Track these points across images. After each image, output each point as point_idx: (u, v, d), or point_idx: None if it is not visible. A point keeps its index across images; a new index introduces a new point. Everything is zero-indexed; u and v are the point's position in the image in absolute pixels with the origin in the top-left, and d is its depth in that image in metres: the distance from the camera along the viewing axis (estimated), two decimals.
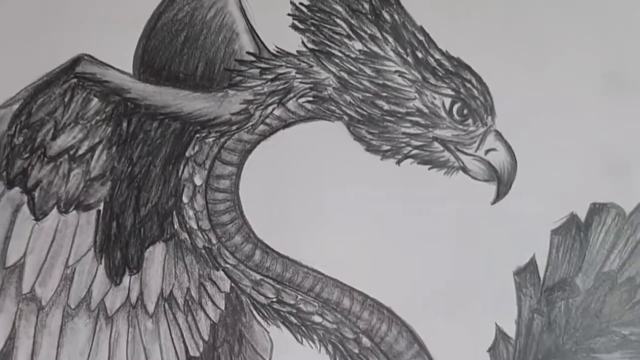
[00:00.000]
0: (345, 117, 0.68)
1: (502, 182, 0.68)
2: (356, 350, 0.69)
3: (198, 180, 0.69)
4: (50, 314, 0.69)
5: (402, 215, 0.69)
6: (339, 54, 0.67)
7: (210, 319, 0.69)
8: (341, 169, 0.69)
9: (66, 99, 0.68)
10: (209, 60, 0.69)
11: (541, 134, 0.69)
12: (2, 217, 0.69)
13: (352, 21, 0.68)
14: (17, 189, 0.68)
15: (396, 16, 0.69)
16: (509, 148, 0.68)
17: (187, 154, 0.68)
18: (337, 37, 0.68)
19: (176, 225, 0.69)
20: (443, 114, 0.67)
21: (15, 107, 0.69)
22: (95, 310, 0.69)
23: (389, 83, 0.67)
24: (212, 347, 0.69)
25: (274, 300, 0.69)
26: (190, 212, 0.69)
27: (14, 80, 0.68)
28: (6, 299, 0.69)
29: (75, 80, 0.68)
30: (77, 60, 0.68)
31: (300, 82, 0.68)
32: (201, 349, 0.69)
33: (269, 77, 0.67)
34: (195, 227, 0.69)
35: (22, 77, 0.69)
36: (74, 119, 0.68)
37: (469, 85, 0.67)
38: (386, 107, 0.67)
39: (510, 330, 0.69)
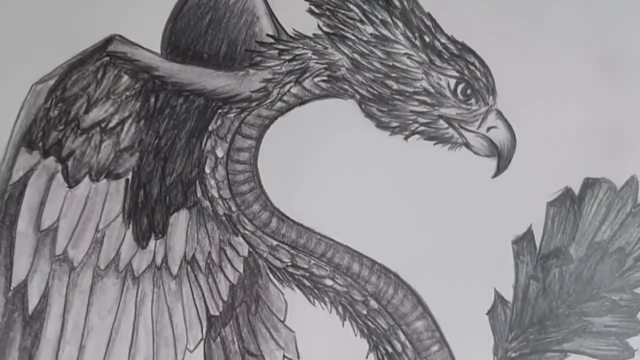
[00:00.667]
0: (357, 96, 0.72)
1: (502, 157, 0.72)
2: (364, 312, 0.73)
3: (220, 153, 0.73)
4: (81, 274, 0.73)
5: (408, 187, 0.73)
6: (352, 37, 0.72)
7: (229, 280, 0.74)
8: (352, 144, 0.73)
9: (99, 76, 0.73)
10: (231, 41, 0.73)
11: (539, 114, 0.73)
12: (38, 184, 0.73)
13: (365, 7, 0.73)
14: (52, 159, 0.73)
15: (405, 3, 0.73)
16: (508, 126, 0.72)
17: (210, 128, 0.73)
18: (350, 21, 0.72)
19: (199, 194, 0.73)
20: (448, 93, 0.72)
21: (52, 82, 0.73)
22: (123, 271, 0.73)
23: (398, 64, 0.72)
24: (231, 307, 0.74)
25: (289, 264, 0.74)
26: (212, 182, 0.73)
27: (51, 58, 0.73)
28: (40, 260, 0.73)
29: (107, 58, 0.72)
30: (109, 40, 0.73)
31: (316, 63, 0.72)
32: (221, 309, 0.74)
33: (287, 57, 0.72)
34: (216, 195, 0.73)
35: (58, 55, 0.73)
36: (106, 94, 0.73)
37: (472, 67, 0.72)
38: (395, 86, 0.72)
39: (508, 295, 0.73)
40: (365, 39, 0.72)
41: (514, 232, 0.73)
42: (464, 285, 0.73)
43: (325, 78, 0.72)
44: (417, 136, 0.72)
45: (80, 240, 0.73)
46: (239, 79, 0.72)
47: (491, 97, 0.72)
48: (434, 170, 0.73)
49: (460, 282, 0.73)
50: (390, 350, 0.73)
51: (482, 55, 0.72)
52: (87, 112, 0.72)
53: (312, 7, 0.72)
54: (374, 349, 0.73)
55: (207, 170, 0.73)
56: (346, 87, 0.72)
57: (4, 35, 0.73)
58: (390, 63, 0.71)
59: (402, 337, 0.73)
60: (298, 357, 0.73)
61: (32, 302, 0.73)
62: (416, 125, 0.72)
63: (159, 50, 0.73)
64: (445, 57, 0.71)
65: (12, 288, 0.73)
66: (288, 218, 0.73)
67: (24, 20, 0.74)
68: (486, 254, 0.73)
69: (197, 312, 0.73)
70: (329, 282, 0.73)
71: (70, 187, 0.73)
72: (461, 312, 0.72)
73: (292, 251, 0.73)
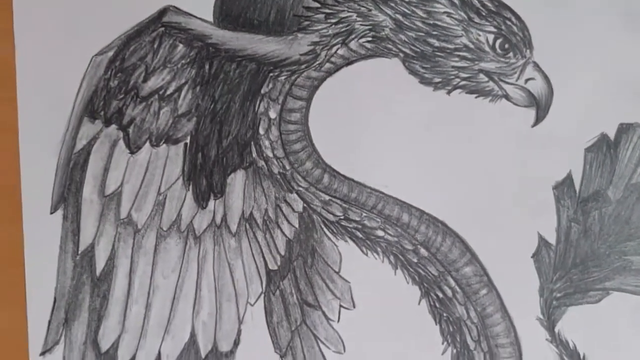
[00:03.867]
0: (401, 54, 0.76)
1: (541, 107, 0.75)
2: (415, 260, 0.76)
3: (272, 114, 0.76)
4: (145, 236, 0.76)
5: (452, 139, 0.76)
6: None
7: (286, 236, 0.77)
8: (398, 100, 0.76)
9: (155, 46, 0.76)
10: (279, 7, 0.76)
11: (574, 64, 0.76)
12: (101, 152, 0.76)
13: None
14: (113, 127, 0.76)
15: None
16: (546, 77, 0.75)
17: (262, 91, 0.76)
18: None
19: (254, 154, 0.76)
20: (487, 48, 0.75)
21: (110, 53, 0.76)
22: (185, 231, 0.76)
23: (439, 23, 0.75)
24: (288, 261, 0.77)
25: (342, 217, 0.77)
26: (266, 142, 0.76)
27: (108, 30, 0.76)
28: (106, 224, 0.76)
29: (162, 29, 0.75)
30: (164, 11, 0.76)
31: (361, 25, 0.75)
32: (279, 263, 0.77)
33: (333, 21, 0.75)
34: (271, 155, 0.76)
35: (115, 27, 0.76)
36: (163, 63, 0.76)
37: (509, 22, 0.75)
38: (437, 44, 0.75)
39: (551, 238, 0.76)
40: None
41: (554, 178, 0.76)
42: (508, 231, 0.75)
43: (370, 39, 0.75)
44: (459, 90, 0.75)
45: (143, 204, 0.76)
46: (288, 44, 0.75)
47: (528, 50, 0.75)
48: (477, 122, 0.76)
49: (505, 228, 0.75)
50: (441, 295, 0.76)
51: (518, 11, 0.75)
52: (145, 80, 0.75)
53: None
54: (426, 295, 0.76)
55: (261, 131, 0.76)
56: (390, 46, 0.75)
57: (64, 12, 0.76)
58: (431, 22, 0.75)
59: (452, 283, 0.76)
60: (354, 306, 0.76)
61: (100, 264, 0.76)
62: (458, 80, 0.75)
63: (211, 19, 0.76)
64: (483, 13, 0.75)
65: (79, 252, 0.76)
66: (339, 174, 0.76)
67: None
68: (529, 200, 0.76)
69: (257, 267, 0.76)
70: (380, 233, 0.76)
71: (132, 153, 0.76)
72: (507, 256, 0.75)
73: (344, 205, 0.76)
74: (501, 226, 0.76)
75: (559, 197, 0.76)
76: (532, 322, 0.75)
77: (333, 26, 0.75)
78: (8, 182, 0.76)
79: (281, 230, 0.77)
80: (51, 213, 0.76)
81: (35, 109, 0.76)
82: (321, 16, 0.75)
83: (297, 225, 0.77)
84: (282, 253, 0.77)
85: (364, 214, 0.76)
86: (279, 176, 0.76)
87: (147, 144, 0.76)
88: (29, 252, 0.76)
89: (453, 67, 0.75)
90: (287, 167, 0.76)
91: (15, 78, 0.76)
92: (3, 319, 0.76)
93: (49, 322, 0.76)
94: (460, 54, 0.75)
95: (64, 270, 0.76)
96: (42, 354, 0.76)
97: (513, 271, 0.75)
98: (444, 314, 0.76)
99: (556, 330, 0.75)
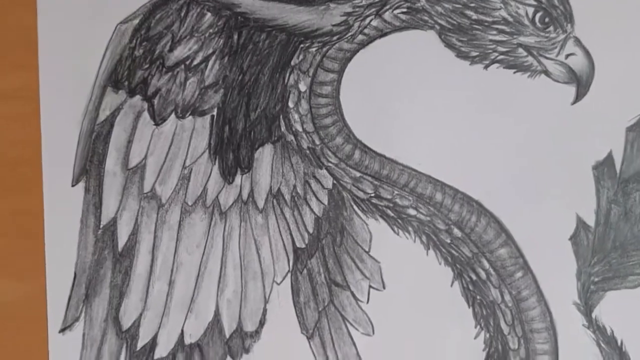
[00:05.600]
0: (437, 27, 0.73)
1: (581, 84, 0.73)
2: (448, 240, 0.74)
3: (302, 87, 0.74)
4: (169, 211, 0.74)
5: (489, 115, 0.74)
6: None
7: (314, 213, 0.75)
8: (433, 74, 0.74)
9: (182, 14, 0.74)
10: None
11: (617, 40, 0.73)
12: (125, 123, 0.74)
13: None
14: (138, 97, 0.74)
15: None
16: (587, 53, 0.73)
17: (292, 63, 0.74)
18: None
19: (283, 128, 0.74)
20: (526, 22, 0.72)
21: (136, 22, 0.74)
22: (210, 206, 0.74)
23: None
24: (317, 239, 0.75)
25: (372, 195, 0.75)
26: (296, 116, 0.74)
27: None
28: (129, 197, 0.75)
29: None
30: None
31: None
32: (306, 241, 0.75)
33: None
34: (300, 129, 0.74)
35: None
36: (190, 32, 0.74)
37: None
38: (474, 16, 0.73)
39: (590, 220, 0.73)
40: None
41: (594, 157, 0.73)
42: (546, 211, 0.73)
43: (405, 10, 0.73)
44: (496, 65, 0.73)
45: (167, 177, 0.74)
46: (320, 14, 0.73)
47: (569, 25, 0.73)
48: (514, 98, 0.74)
49: (542, 209, 0.73)
50: (474, 277, 0.74)
51: None
52: (171, 50, 0.73)
53: None
54: (458, 277, 0.74)
55: (291, 104, 0.74)
56: (426, 18, 0.73)
57: None
58: None
59: (486, 265, 0.74)
60: (384, 287, 0.74)
61: (122, 239, 0.74)
62: (495, 54, 0.73)
63: None
64: None
65: (101, 226, 0.74)
66: (370, 150, 0.74)
67: None
68: (567, 180, 0.73)
69: (284, 244, 0.75)
70: (412, 211, 0.74)
71: (156, 124, 0.74)
72: (544, 238, 0.73)
73: (376, 182, 0.74)
74: (538, 207, 0.73)
75: (598, 177, 0.73)
76: (569, 306, 0.73)
77: None
78: (28, 153, 0.75)
79: (310, 207, 0.75)
80: (72, 185, 0.74)
81: (57, 77, 0.74)
82: None
83: (326, 203, 0.75)
84: (310, 231, 0.75)
85: (396, 192, 0.74)
86: (308, 151, 0.74)
87: (173, 115, 0.74)
88: (49, 226, 0.75)
89: (491, 40, 0.73)
90: (317, 142, 0.74)
91: (37, 45, 0.75)
92: (21, 294, 0.75)
93: (69, 298, 0.74)
94: (499, 27, 0.72)
95: (85, 245, 0.74)
96: (62, 330, 0.75)
97: (550, 254, 0.73)
98: (477, 297, 0.73)
99: (593, 315, 0.73)
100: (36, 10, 0.75)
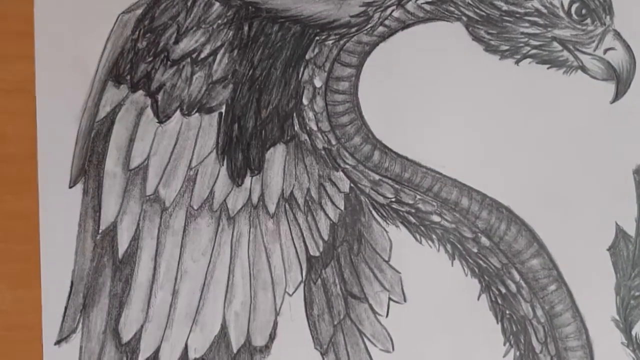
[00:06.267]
0: (464, 18, 0.69)
1: (621, 81, 0.69)
2: (475, 250, 0.70)
3: (318, 82, 0.70)
4: (173, 215, 0.71)
5: (520, 114, 0.70)
6: None
7: (329, 218, 0.71)
8: (459, 70, 0.70)
9: (189, 3, 0.70)
10: None
11: None
12: (126, 120, 0.71)
13: None
14: (140, 92, 0.70)
15: None
16: (627, 47, 0.69)
17: (307, 57, 0.70)
18: None
19: (296, 127, 0.70)
20: (562, 13, 0.68)
21: (139, 12, 0.70)
22: (218, 210, 0.70)
23: None
24: (332, 247, 0.71)
25: (393, 200, 0.70)
26: (310, 114, 0.70)
27: None
28: (130, 200, 0.71)
29: None
30: None
31: None
32: (321, 249, 0.71)
33: None
34: (315, 128, 0.70)
35: None
36: (197, 23, 0.70)
37: None
38: (505, 7, 0.69)
39: (630, 229, 0.70)
40: None
41: (635, 160, 0.70)
42: (582, 219, 0.70)
43: (429, 0, 0.69)
44: (528, 60, 0.69)
45: (172, 179, 0.70)
46: (338, 4, 0.69)
47: (608, 17, 0.69)
48: (548, 96, 0.70)
49: (578, 216, 0.70)
50: (504, 290, 0.70)
51: None
52: (177, 42, 0.70)
53: None
54: (486, 289, 0.70)
55: (305, 101, 0.70)
56: (452, 8, 0.69)
57: None
58: None
59: (517, 277, 0.70)
60: (404, 300, 0.70)
61: (122, 245, 0.71)
62: (528, 48, 0.69)
63: None
64: None
65: (100, 231, 0.71)
66: (391, 151, 0.70)
67: None
68: (606, 185, 0.70)
69: (297, 252, 0.71)
70: (436, 218, 0.70)
71: (160, 122, 0.70)
72: (580, 248, 0.70)
73: (396, 186, 0.70)
74: (574, 214, 0.70)
75: None
76: (607, 323, 0.70)
77: None
78: (23, 150, 0.71)
79: (325, 212, 0.71)
80: (70, 187, 0.71)
81: (55, 70, 0.71)
82: None
83: (342, 208, 0.71)
84: (325, 238, 0.71)
85: (418, 197, 0.70)
86: (323, 152, 0.70)
87: (178, 112, 0.70)
88: (45, 230, 0.71)
89: (523, 33, 0.69)
90: (333, 142, 0.70)
91: (33, 35, 0.71)
92: (15, 303, 0.72)
93: (66, 307, 0.71)
94: (531, 19, 0.68)
95: (83, 251, 0.71)
96: (57, 342, 0.71)
97: (586, 265, 0.70)
98: (507, 312, 0.70)
99: (633, 332, 0.69)
100: None
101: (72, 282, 0.71)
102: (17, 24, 0.71)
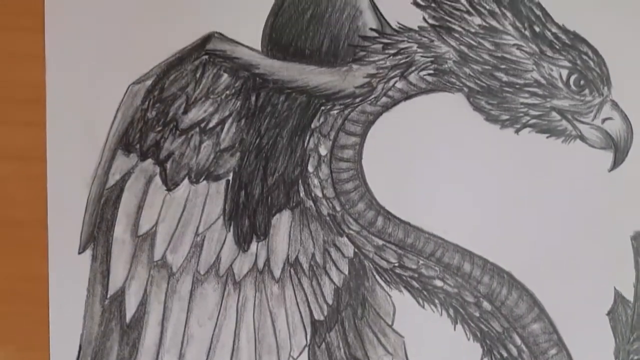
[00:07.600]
0: (465, 89, 0.70)
1: (619, 149, 0.70)
2: (477, 314, 0.70)
3: (323, 151, 0.71)
4: (180, 280, 0.71)
5: (520, 182, 0.70)
6: (459, 29, 0.70)
7: (334, 283, 0.71)
8: (461, 138, 0.70)
9: (197, 75, 0.70)
10: (333, 36, 0.71)
11: None
12: (135, 188, 0.71)
13: None
14: (150, 161, 0.71)
15: None
16: (625, 117, 0.69)
17: (312, 126, 0.70)
18: (457, 12, 0.70)
19: (302, 194, 0.71)
20: (560, 84, 0.69)
21: (149, 82, 0.71)
22: (224, 275, 0.71)
23: (508, 56, 0.69)
24: (336, 311, 0.71)
25: (396, 265, 0.71)
26: (316, 181, 0.71)
27: (147, 57, 0.70)
28: (138, 266, 0.71)
29: (206, 56, 0.70)
30: (208, 38, 0.70)
31: (422, 56, 0.70)
32: (325, 313, 0.71)
33: (392, 51, 0.70)
34: (320, 195, 0.71)
35: (155, 54, 0.70)
36: (205, 94, 0.70)
37: (585, 57, 0.69)
38: (505, 78, 0.69)
39: (629, 294, 0.70)
40: (472, 30, 0.69)
41: (633, 227, 0.70)
42: (581, 284, 0.70)
43: (431, 71, 0.70)
44: (528, 129, 0.70)
45: (179, 245, 0.71)
46: (342, 75, 0.70)
47: (606, 88, 0.69)
48: (547, 164, 0.70)
49: (577, 281, 0.70)
50: (505, 354, 0.70)
51: (595, 45, 0.69)
52: (185, 112, 0.70)
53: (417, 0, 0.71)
54: (488, 353, 0.70)
55: (310, 169, 0.71)
56: (453, 80, 0.70)
57: (99, 35, 0.71)
58: (499, 54, 0.69)
59: (518, 341, 0.70)
60: None
61: (130, 310, 0.71)
62: (527, 117, 0.70)
63: (259, 47, 0.70)
64: (557, 47, 0.69)
65: (109, 296, 0.71)
66: (394, 217, 0.71)
67: (120, 19, 0.72)
68: (604, 251, 0.70)
69: (301, 316, 0.71)
70: (438, 283, 0.70)
71: (168, 189, 0.70)
72: (579, 313, 0.70)
73: (400, 251, 0.71)
74: (573, 279, 0.70)
75: (638, 248, 0.70)
76: None
77: (391, 57, 0.69)
78: (34, 216, 0.71)
79: (329, 277, 0.71)
80: (79, 253, 0.71)
81: (66, 139, 0.71)
82: (379, 46, 0.70)
83: (346, 272, 0.71)
84: (330, 302, 0.71)
85: (421, 262, 0.70)
86: (328, 218, 0.71)
87: (186, 180, 0.70)
88: (54, 294, 0.71)
89: (522, 103, 0.69)
90: (338, 209, 0.71)
91: (45, 104, 0.71)
92: None
93: None
94: (531, 89, 0.69)
95: (92, 316, 0.71)
96: None
97: (586, 329, 0.70)
98: None
99: None
100: (45, 65, 0.72)
101: (80, 346, 0.71)
102: (29, 92, 0.72)
